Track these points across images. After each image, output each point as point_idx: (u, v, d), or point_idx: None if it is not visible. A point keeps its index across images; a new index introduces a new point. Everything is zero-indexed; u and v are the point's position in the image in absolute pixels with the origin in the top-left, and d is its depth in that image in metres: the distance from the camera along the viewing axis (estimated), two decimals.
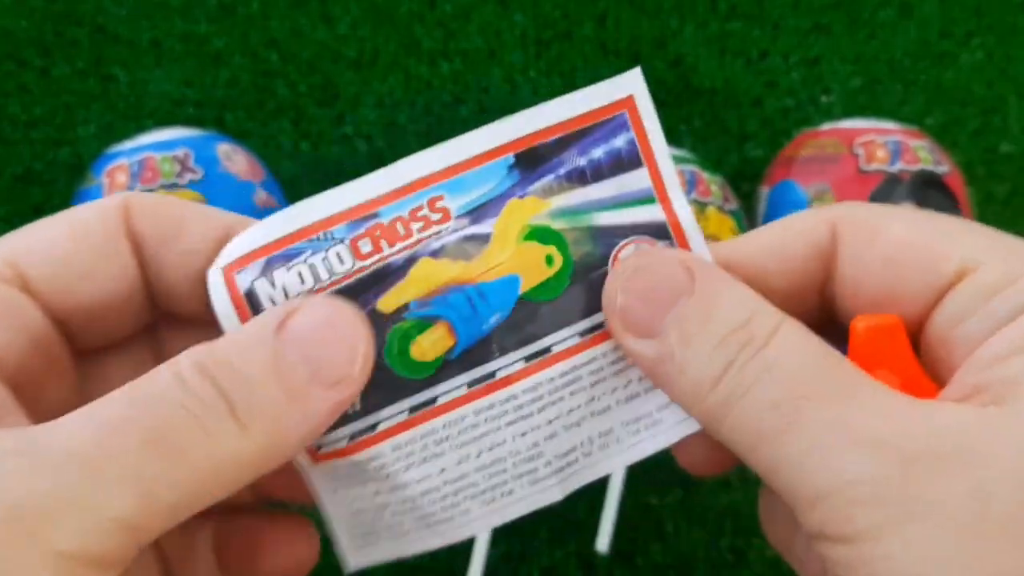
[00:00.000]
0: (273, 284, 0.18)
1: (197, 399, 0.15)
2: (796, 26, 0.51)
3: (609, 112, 0.18)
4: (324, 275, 0.18)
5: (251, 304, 0.18)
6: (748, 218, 0.45)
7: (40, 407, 0.17)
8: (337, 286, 0.18)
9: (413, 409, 0.19)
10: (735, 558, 0.42)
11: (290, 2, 0.51)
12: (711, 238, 0.39)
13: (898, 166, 0.40)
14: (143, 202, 0.18)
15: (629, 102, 0.18)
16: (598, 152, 0.18)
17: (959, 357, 0.16)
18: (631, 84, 0.18)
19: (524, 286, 0.18)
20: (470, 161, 0.18)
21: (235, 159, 0.40)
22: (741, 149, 0.49)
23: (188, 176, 0.38)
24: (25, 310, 0.17)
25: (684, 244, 0.19)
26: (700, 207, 0.39)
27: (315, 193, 0.18)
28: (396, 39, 0.51)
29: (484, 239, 0.18)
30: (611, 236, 0.19)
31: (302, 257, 0.18)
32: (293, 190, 0.48)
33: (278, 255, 0.18)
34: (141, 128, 0.48)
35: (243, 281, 0.18)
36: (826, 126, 0.43)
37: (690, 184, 0.39)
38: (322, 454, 0.19)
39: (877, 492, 0.14)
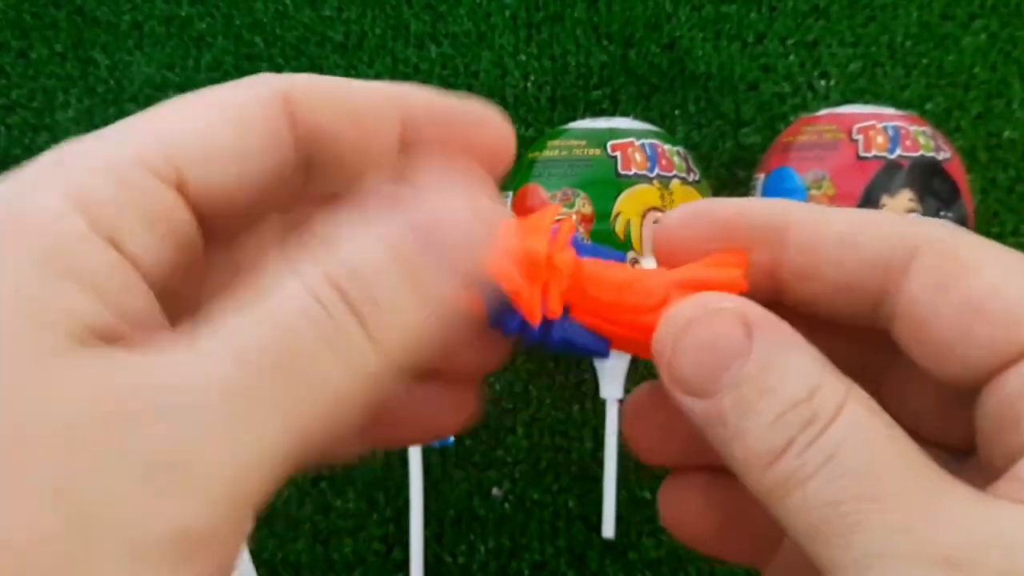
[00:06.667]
0: None
1: (330, 319, 0.14)
2: (793, 8, 0.50)
3: None
4: None
5: None
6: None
7: (175, 309, 0.16)
8: None
9: None
10: None
11: None
12: None
13: (897, 152, 0.39)
14: (308, 94, 0.17)
15: None
16: None
17: (1016, 438, 0.15)
18: None
19: None
20: None
21: None
22: (736, 135, 0.48)
23: None
24: (178, 212, 0.16)
25: None
26: (664, 181, 0.39)
27: None
28: (383, 21, 0.50)
29: None
30: None
31: None
32: None
33: None
34: (122, 112, 0.47)
35: None
36: (824, 112, 0.42)
37: (651, 159, 0.39)
38: None
39: None
